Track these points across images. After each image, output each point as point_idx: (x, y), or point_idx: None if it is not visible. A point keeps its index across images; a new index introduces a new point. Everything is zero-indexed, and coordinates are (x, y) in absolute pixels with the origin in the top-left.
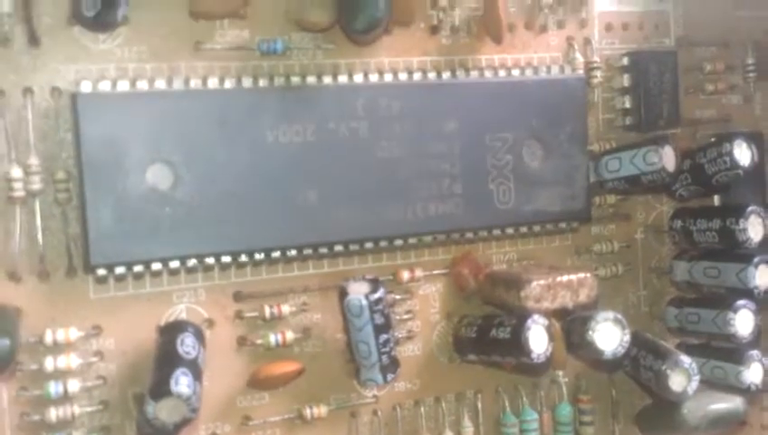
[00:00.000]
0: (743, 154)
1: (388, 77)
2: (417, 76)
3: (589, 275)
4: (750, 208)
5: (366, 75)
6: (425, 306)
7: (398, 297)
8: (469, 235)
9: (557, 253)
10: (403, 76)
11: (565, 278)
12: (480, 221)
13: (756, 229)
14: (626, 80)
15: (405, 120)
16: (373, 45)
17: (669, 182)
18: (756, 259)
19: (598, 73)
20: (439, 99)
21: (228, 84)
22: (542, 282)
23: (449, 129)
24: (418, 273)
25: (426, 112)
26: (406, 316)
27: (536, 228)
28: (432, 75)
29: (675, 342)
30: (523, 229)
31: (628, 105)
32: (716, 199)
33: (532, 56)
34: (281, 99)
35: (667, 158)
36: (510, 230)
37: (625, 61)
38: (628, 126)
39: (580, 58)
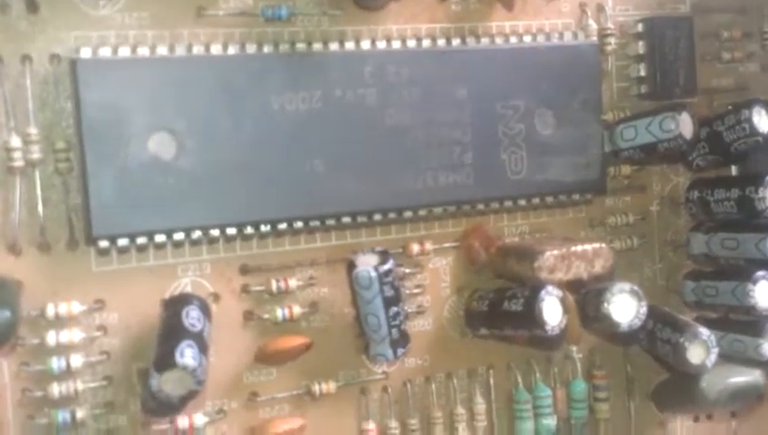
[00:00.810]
0: (762, 121)
1: (397, 44)
2: (426, 43)
3: (604, 245)
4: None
5: (373, 42)
6: (435, 280)
7: (407, 271)
8: (480, 206)
9: (570, 225)
10: (412, 43)
11: (580, 248)
12: (491, 192)
13: None
14: (640, 47)
15: (414, 87)
16: (381, 12)
17: (687, 150)
18: None
19: (611, 40)
20: (449, 66)
21: (232, 51)
22: (555, 252)
23: (459, 97)
24: (428, 246)
25: (435, 80)
26: (416, 290)
27: (549, 200)
28: (441, 42)
29: (692, 316)
30: (536, 201)
31: (642, 73)
32: (734, 169)
33: (544, 23)
34: (286, 66)
35: (685, 124)
36: (522, 202)
37: (639, 27)
38: (643, 94)
39: (593, 25)
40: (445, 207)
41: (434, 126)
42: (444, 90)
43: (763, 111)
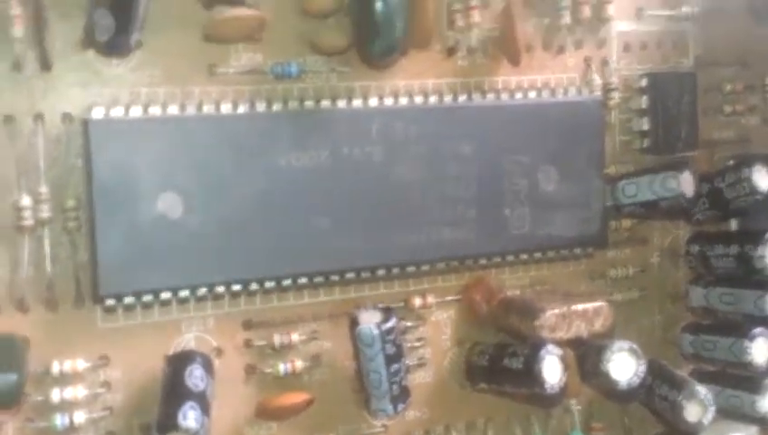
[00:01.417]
0: (762, 179)
1: (404, 100)
2: (432, 99)
3: (604, 303)
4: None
5: (381, 99)
6: (436, 333)
7: (409, 324)
8: (483, 260)
9: (571, 278)
10: (418, 99)
11: (581, 307)
12: (494, 247)
13: None
14: (644, 101)
15: (420, 143)
16: (388, 68)
17: (688, 208)
18: None
19: (615, 95)
20: (455, 122)
21: (242, 109)
22: (556, 311)
23: (465, 152)
24: (430, 299)
25: (441, 136)
26: (417, 343)
27: (551, 254)
28: (448, 98)
29: (689, 368)
30: (538, 255)
31: (645, 127)
32: (734, 224)
33: (550, 77)
34: (295, 123)
35: (686, 183)
36: (524, 256)
37: (643, 82)
38: (646, 148)
39: (597, 79)
40: (447, 261)
41: (439, 182)
42: (450, 146)
43: (764, 170)
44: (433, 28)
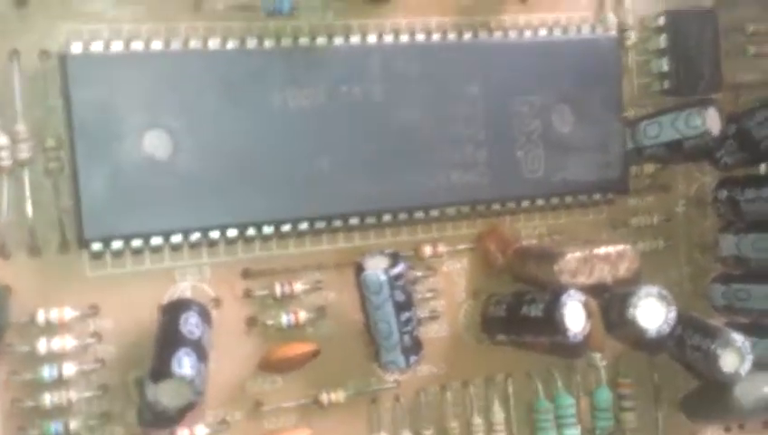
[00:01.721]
0: None
1: (405, 38)
2: (436, 37)
3: (629, 247)
4: None
5: (381, 36)
6: (449, 284)
7: (419, 274)
8: (496, 206)
9: (591, 227)
10: (421, 37)
11: (603, 251)
12: (507, 191)
13: None
14: (663, 41)
15: (423, 83)
16: (388, 4)
17: (714, 147)
18: None
19: (632, 34)
20: (460, 61)
21: (231, 45)
22: (577, 254)
23: (472, 93)
24: (441, 248)
25: (446, 75)
26: (429, 295)
27: (568, 200)
28: (452, 36)
29: (722, 321)
30: (554, 201)
31: (665, 68)
32: (764, 168)
33: (561, 16)
34: (288, 61)
35: (712, 120)
36: (540, 202)
37: (661, 21)
38: (666, 90)
39: (612, 18)
40: (458, 207)
41: (445, 123)
42: (455, 85)
43: None
44: None
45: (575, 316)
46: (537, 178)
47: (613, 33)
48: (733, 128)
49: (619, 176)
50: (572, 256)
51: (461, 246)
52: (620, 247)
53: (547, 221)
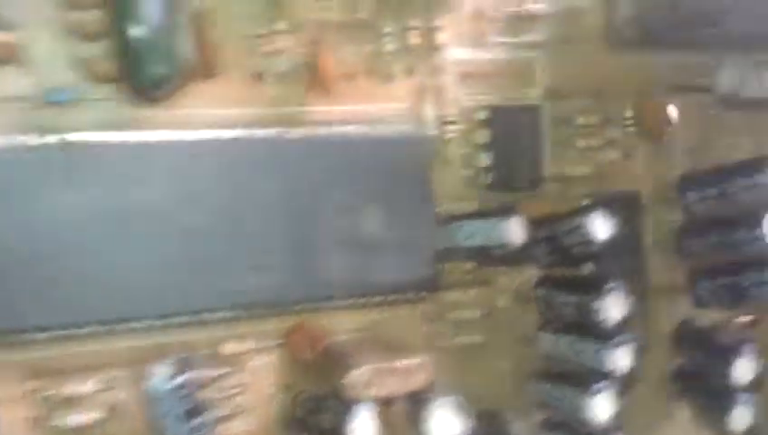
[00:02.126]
0: (599, 228)
1: (198, 133)
2: (234, 132)
3: (425, 360)
4: (608, 286)
5: (168, 129)
6: (257, 379)
7: (221, 373)
8: (298, 307)
9: (407, 321)
10: (215, 132)
11: (398, 363)
12: (309, 293)
13: (616, 308)
14: (484, 135)
15: (218, 181)
16: (181, 95)
17: (520, 257)
18: (615, 339)
19: (453, 127)
20: (260, 158)
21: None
22: (369, 367)
23: (272, 191)
24: (246, 344)
25: (243, 173)
26: (233, 391)
27: (377, 299)
28: (252, 130)
29: (541, 416)
30: (362, 300)
31: (487, 163)
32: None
33: (375, 108)
34: (65, 157)
35: (512, 231)
36: (347, 301)
37: (483, 114)
38: (488, 185)
39: (430, 111)
40: (255, 309)
41: (241, 223)
42: (254, 184)
43: (601, 217)
44: (216, 56)
45: (364, 431)
46: (342, 279)
47: (428, 127)
48: (545, 231)
49: (429, 275)
50: (364, 369)
51: (268, 342)
52: (416, 361)
53: (359, 318)
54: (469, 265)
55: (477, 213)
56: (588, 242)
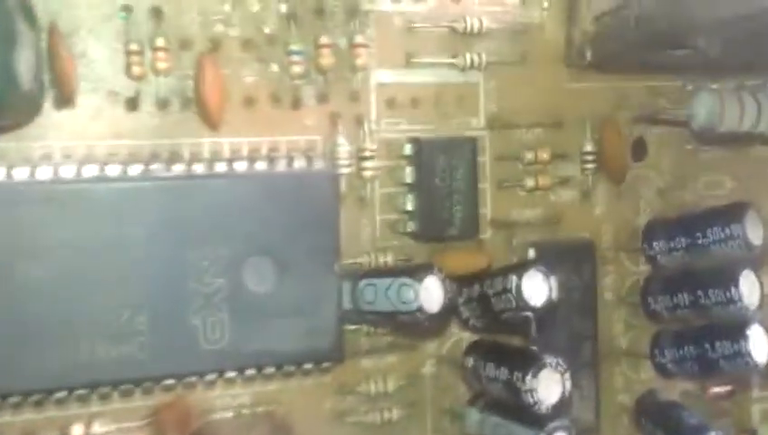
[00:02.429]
0: (534, 291)
1: (37, 172)
2: (89, 169)
3: None
4: (543, 361)
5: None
6: None
7: None
8: (168, 381)
9: (311, 394)
10: (66, 170)
11: None
12: (176, 366)
13: (551, 389)
14: (409, 174)
15: (61, 230)
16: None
17: (433, 325)
18: (550, 426)
19: (371, 164)
20: (120, 200)
21: None
22: None
23: (139, 240)
24: (98, 428)
25: (97, 220)
26: None
27: (269, 371)
28: (116, 167)
29: None
30: (250, 372)
31: (410, 207)
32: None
33: (277, 140)
34: None
35: (428, 294)
36: (231, 374)
37: (407, 149)
38: (413, 233)
39: (343, 144)
40: (111, 385)
41: (92, 282)
42: (109, 234)
43: (539, 278)
44: (73, 75)
45: None
46: (220, 349)
47: (337, 164)
48: (476, 290)
49: (331, 343)
50: None
51: (132, 423)
52: None
53: (253, 388)
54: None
55: (386, 271)
56: (519, 308)
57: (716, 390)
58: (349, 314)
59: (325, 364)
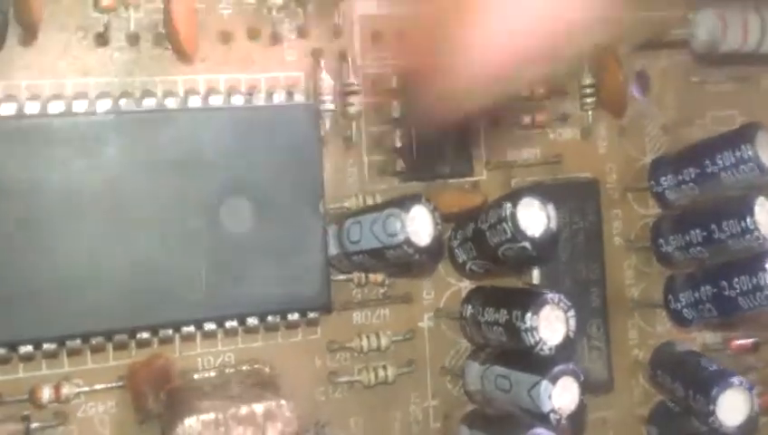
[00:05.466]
0: (531, 220)
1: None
2: (59, 106)
3: (285, 404)
4: (544, 296)
5: None
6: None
7: (35, 425)
8: (144, 335)
9: (300, 351)
10: (33, 107)
11: (244, 410)
12: (150, 317)
13: (553, 328)
14: (396, 109)
15: (26, 167)
16: None
17: (424, 259)
18: (555, 370)
19: (356, 99)
20: (100, 137)
21: None
22: (205, 416)
23: (101, 182)
24: (68, 389)
25: (75, 158)
26: None
27: (252, 322)
28: (82, 103)
29: None
30: (231, 324)
31: (399, 144)
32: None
33: (256, 76)
34: None
35: (417, 225)
36: (211, 325)
37: (394, 82)
38: (401, 173)
39: (328, 80)
40: (80, 339)
41: (57, 224)
42: (86, 171)
43: (534, 206)
44: (35, 9)
45: None
46: (198, 299)
47: (320, 100)
48: (470, 228)
49: (317, 291)
50: (198, 420)
51: (105, 385)
52: (272, 404)
53: (237, 345)
54: (380, 277)
55: (370, 208)
56: (515, 239)
57: (740, 342)
58: (336, 260)
59: (312, 315)
